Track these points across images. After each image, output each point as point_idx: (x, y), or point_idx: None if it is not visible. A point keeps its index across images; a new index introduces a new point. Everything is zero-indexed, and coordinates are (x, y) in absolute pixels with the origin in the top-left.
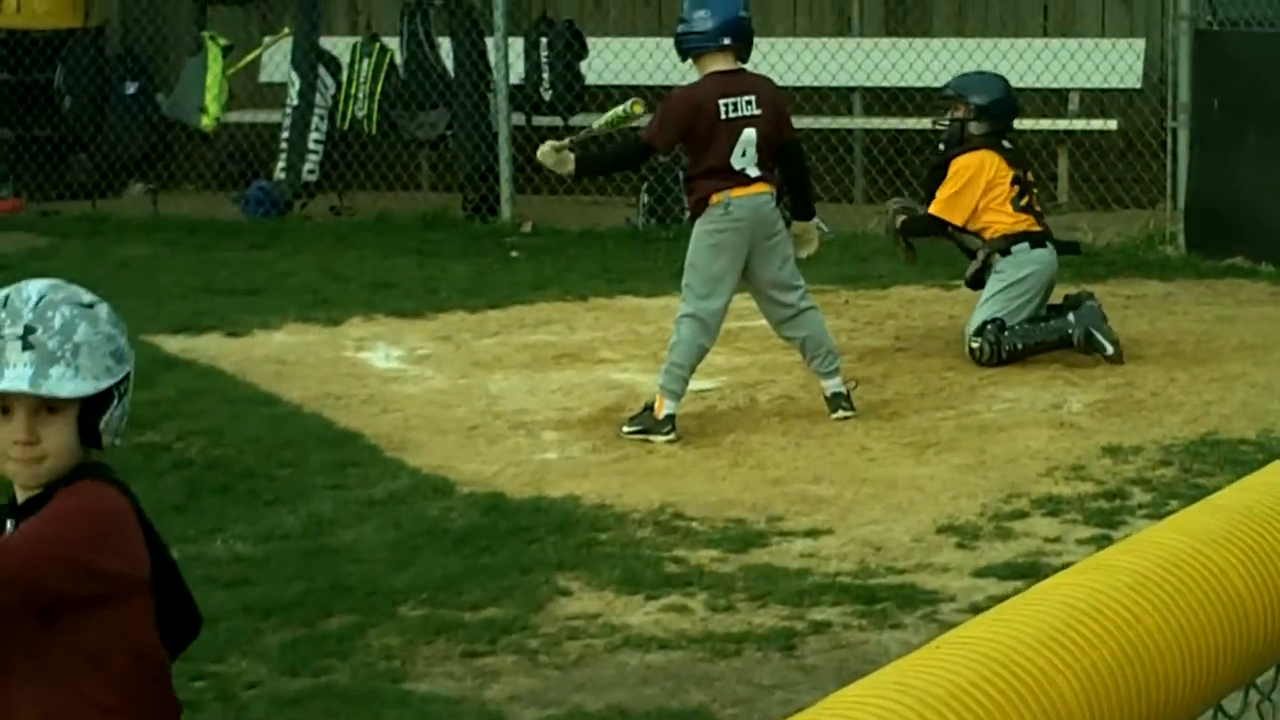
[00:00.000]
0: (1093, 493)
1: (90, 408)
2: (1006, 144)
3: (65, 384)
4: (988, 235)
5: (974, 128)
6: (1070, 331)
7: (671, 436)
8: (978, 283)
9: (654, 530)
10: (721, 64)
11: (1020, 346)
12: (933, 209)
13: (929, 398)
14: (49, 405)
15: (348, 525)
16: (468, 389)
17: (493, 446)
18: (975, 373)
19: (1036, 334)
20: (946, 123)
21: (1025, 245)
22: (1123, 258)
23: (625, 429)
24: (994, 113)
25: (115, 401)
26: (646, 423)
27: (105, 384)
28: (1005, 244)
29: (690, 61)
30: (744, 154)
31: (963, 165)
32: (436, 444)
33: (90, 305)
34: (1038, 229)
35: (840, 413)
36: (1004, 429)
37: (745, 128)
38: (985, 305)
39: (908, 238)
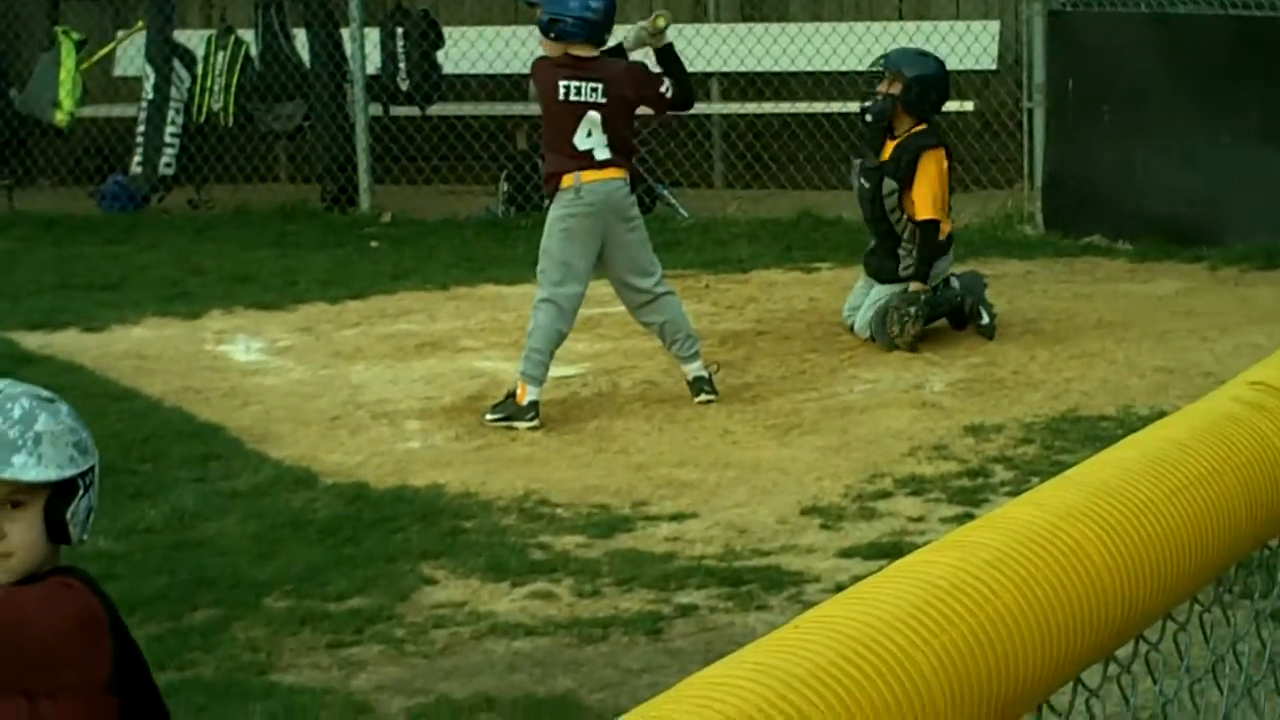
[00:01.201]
0: (955, 471)
1: (56, 500)
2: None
3: (28, 470)
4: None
5: (907, 104)
6: (959, 299)
7: (535, 423)
8: (894, 278)
9: (519, 517)
10: (578, 50)
11: (925, 322)
12: (921, 213)
13: (791, 380)
14: (12, 500)
15: (211, 518)
16: (329, 380)
17: (355, 437)
18: (837, 354)
19: (934, 306)
20: (878, 98)
21: (949, 248)
22: (982, 238)
23: (488, 417)
24: (928, 94)
25: (81, 493)
26: (510, 410)
27: (69, 472)
28: (946, 247)
29: (547, 38)
30: (589, 134)
31: (933, 163)
32: (299, 435)
33: (50, 399)
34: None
35: (703, 397)
36: (866, 410)
37: (588, 110)
38: (892, 295)
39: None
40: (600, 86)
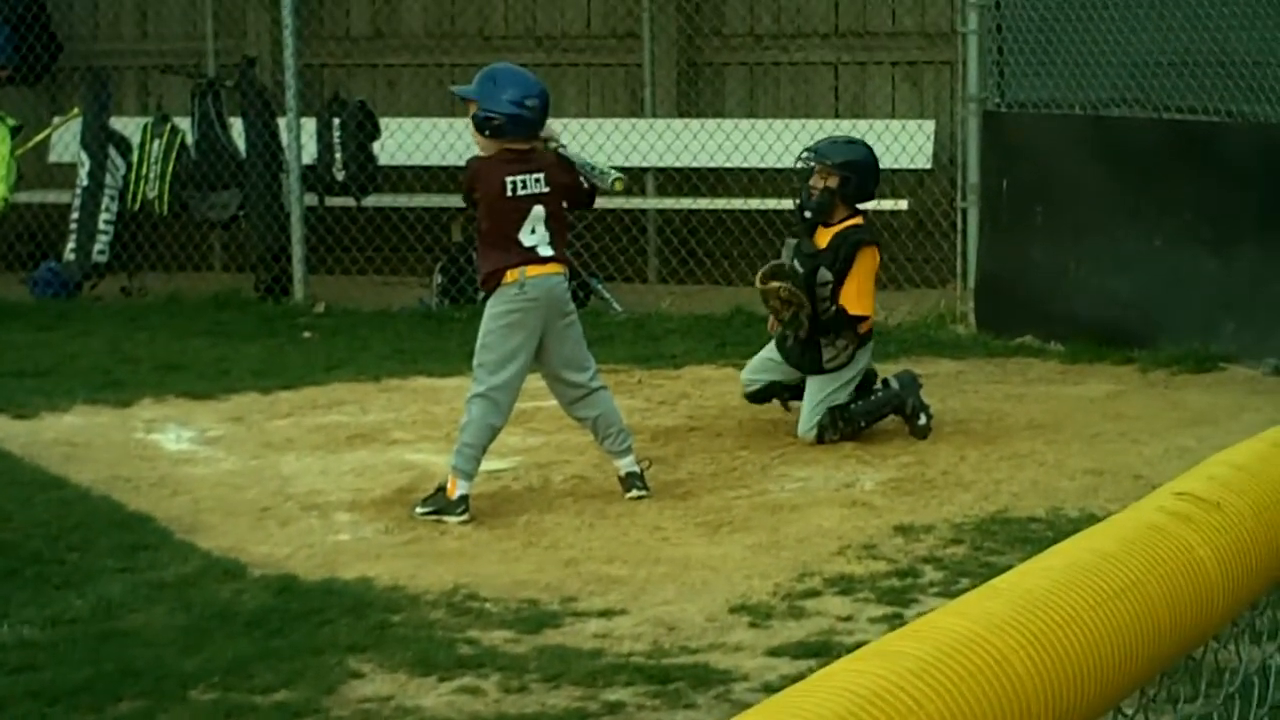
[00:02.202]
0: (885, 571)
1: None
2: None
3: None
4: (861, 330)
5: (844, 196)
6: (901, 400)
7: (465, 517)
8: (818, 369)
9: (447, 611)
10: (514, 143)
11: (863, 424)
12: (854, 308)
13: (722, 477)
14: None
15: (137, 608)
16: (259, 470)
17: (285, 528)
18: (768, 452)
19: (873, 407)
20: (815, 191)
21: (870, 338)
22: (914, 336)
23: (418, 510)
24: (866, 182)
25: None
26: (440, 503)
27: None
28: (868, 338)
29: (482, 135)
30: (533, 231)
31: (870, 259)
32: (228, 526)
33: None
34: None
35: (634, 492)
36: (797, 508)
37: (534, 205)
38: (830, 395)
39: (809, 330)
40: (542, 176)
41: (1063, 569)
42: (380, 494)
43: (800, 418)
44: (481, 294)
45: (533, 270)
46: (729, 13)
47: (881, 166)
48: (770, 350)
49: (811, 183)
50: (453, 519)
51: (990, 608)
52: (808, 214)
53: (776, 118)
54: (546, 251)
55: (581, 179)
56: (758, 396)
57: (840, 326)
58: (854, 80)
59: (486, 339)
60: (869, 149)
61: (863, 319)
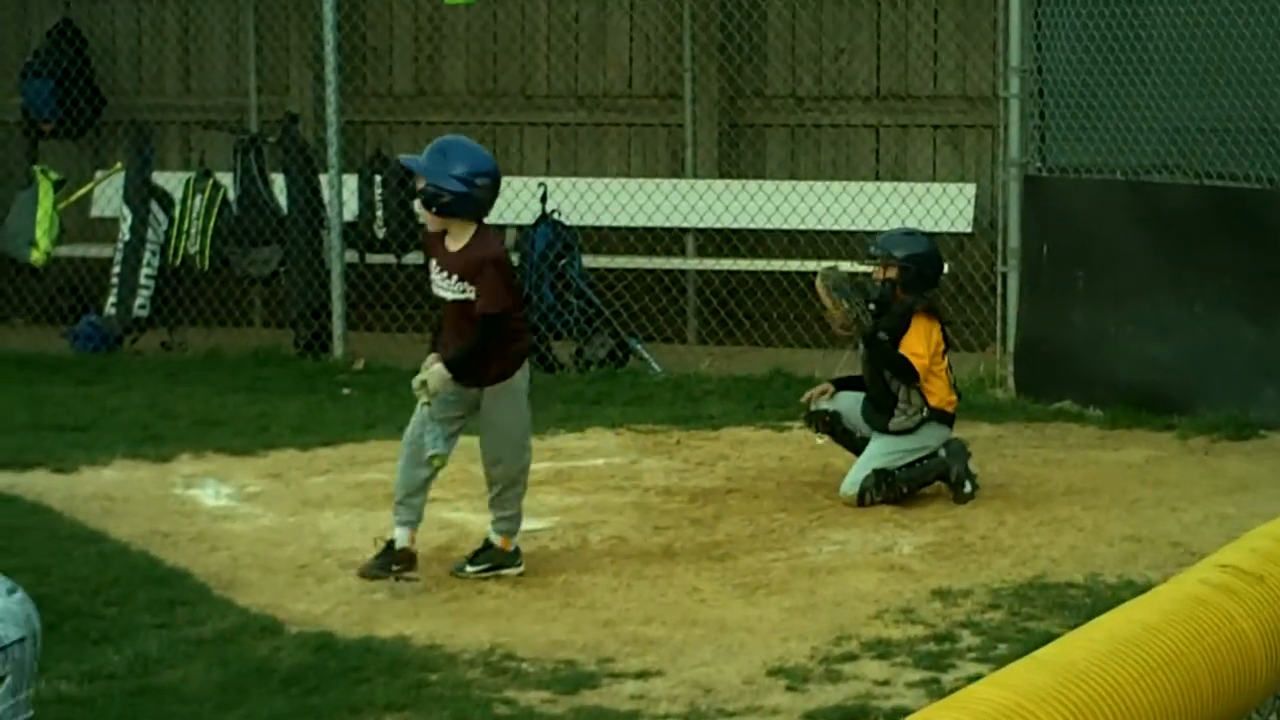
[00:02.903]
0: (922, 635)
1: None
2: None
3: None
4: (932, 401)
5: (905, 285)
6: (946, 468)
7: (523, 568)
8: (884, 428)
9: (484, 671)
10: (458, 227)
11: (906, 490)
12: (914, 360)
13: (760, 539)
14: None
15: (175, 665)
16: (298, 527)
17: (322, 585)
18: (806, 514)
19: (919, 474)
20: (878, 284)
21: (949, 421)
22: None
23: (470, 568)
24: (925, 271)
25: None
26: (495, 558)
27: None
28: (945, 418)
29: (429, 211)
30: None
31: (926, 325)
32: (266, 583)
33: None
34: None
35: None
36: (834, 571)
37: None
38: (884, 456)
39: (864, 348)
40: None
41: (1105, 640)
42: (418, 552)
43: (847, 475)
44: (504, 373)
45: None
46: (771, 74)
47: (922, 230)
48: (861, 394)
49: (874, 275)
50: (512, 570)
51: (1034, 679)
52: (872, 305)
53: (817, 179)
54: None
55: None
56: (817, 417)
57: (894, 364)
58: (895, 143)
59: (522, 416)
60: (929, 240)
61: (913, 370)
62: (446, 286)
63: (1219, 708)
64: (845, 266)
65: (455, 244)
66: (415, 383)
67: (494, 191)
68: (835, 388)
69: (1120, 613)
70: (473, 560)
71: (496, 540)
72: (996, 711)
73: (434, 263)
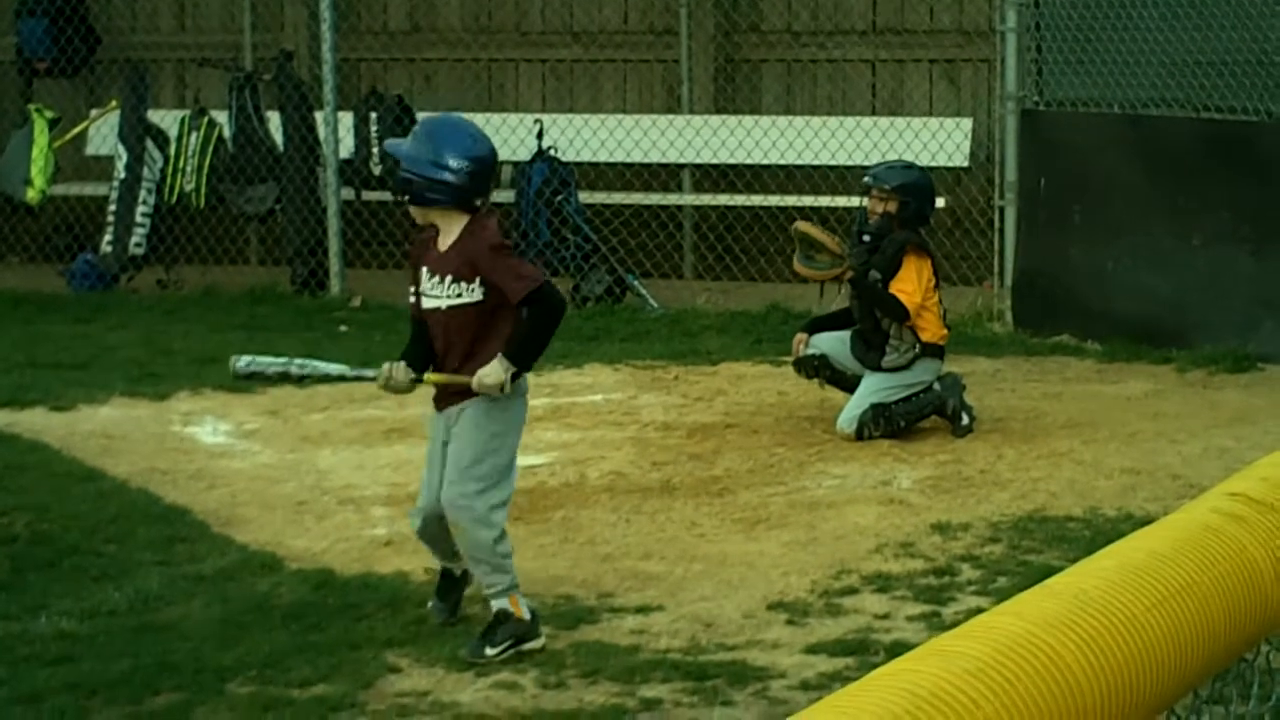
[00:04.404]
0: (921, 569)
1: None
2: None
3: None
4: (924, 337)
5: (904, 220)
6: (942, 401)
7: (544, 641)
8: (876, 366)
9: (483, 607)
10: (443, 215)
11: (903, 424)
12: (905, 298)
13: (759, 474)
14: None
15: (175, 602)
16: (296, 464)
17: (321, 522)
18: (805, 449)
19: (915, 408)
20: (874, 216)
21: (940, 356)
22: (951, 334)
23: (489, 650)
24: (924, 206)
25: None
26: (514, 630)
27: None
28: (936, 352)
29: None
30: None
31: (917, 263)
32: (265, 520)
33: None
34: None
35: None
36: (834, 505)
37: None
38: (879, 392)
39: (854, 290)
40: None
41: (1117, 569)
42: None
43: (843, 411)
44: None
45: None
46: (766, 9)
47: (919, 164)
48: (844, 333)
49: (869, 207)
50: (535, 644)
51: (1046, 608)
52: (866, 237)
53: (813, 115)
54: None
55: None
56: (805, 363)
57: (886, 305)
58: (891, 78)
59: (510, 441)
60: (925, 173)
61: (902, 308)
62: (439, 293)
63: (1232, 636)
64: (841, 202)
65: (445, 240)
66: (474, 383)
67: (481, 179)
68: (810, 334)
69: (1130, 541)
70: (489, 640)
71: (504, 604)
72: (1010, 640)
73: (423, 272)
